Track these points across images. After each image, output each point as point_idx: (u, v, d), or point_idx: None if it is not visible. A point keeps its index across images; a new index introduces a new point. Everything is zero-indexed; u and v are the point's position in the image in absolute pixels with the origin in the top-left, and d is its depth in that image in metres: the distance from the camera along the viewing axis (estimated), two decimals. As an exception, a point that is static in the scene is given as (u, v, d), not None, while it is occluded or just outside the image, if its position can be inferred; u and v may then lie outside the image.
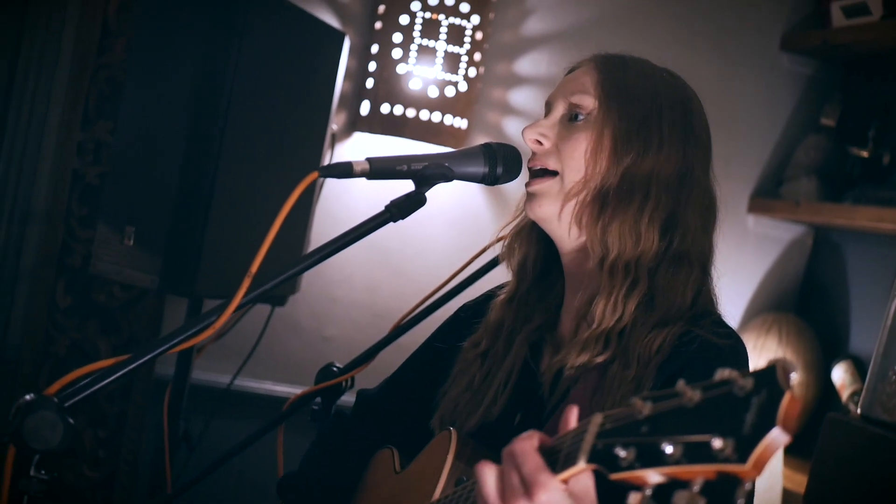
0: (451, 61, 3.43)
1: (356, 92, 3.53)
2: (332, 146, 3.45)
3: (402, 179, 1.69)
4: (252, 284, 1.58)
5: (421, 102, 3.42)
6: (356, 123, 3.51)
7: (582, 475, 1.24)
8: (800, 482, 3.25)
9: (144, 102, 2.86)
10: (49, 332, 3.30)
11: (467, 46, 3.44)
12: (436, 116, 3.43)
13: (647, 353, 1.66)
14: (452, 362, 1.91)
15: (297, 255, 3.02)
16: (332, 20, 3.48)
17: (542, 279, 1.88)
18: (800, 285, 3.95)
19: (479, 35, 3.45)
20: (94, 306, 3.32)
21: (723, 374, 1.09)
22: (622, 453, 1.13)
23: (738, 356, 1.67)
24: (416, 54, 3.40)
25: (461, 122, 3.48)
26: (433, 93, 3.42)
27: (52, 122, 3.32)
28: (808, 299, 3.91)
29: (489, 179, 1.74)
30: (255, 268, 1.56)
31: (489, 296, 1.98)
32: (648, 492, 1.13)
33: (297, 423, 2.30)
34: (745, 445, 1.03)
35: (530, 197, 1.78)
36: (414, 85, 3.41)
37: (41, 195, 3.32)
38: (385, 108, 3.43)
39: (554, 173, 1.75)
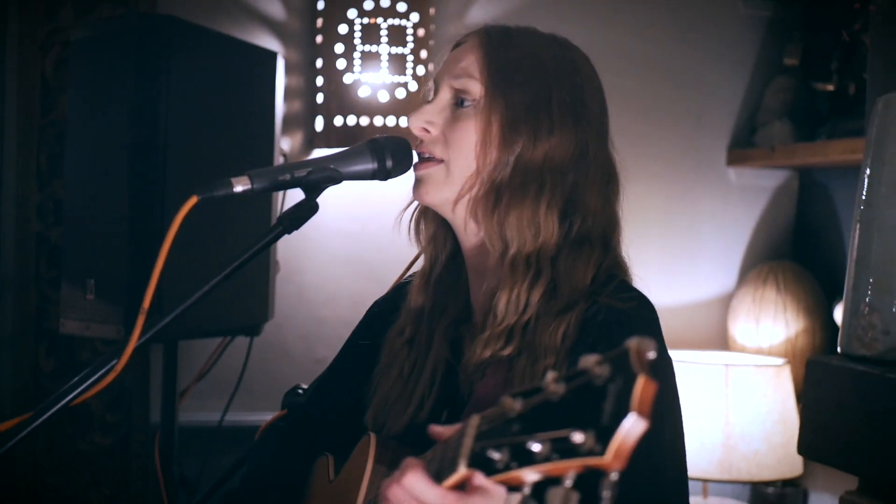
0: (397, 63, 3.38)
1: (308, 109, 3.48)
2: (289, 167, 3.40)
3: (289, 189, 1.65)
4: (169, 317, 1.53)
5: (373, 109, 3.38)
6: (314, 140, 3.47)
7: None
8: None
9: (86, 155, 2.83)
10: (38, 398, 3.28)
11: (411, 45, 3.39)
12: (391, 120, 3.39)
13: (553, 344, 1.62)
14: (375, 358, 1.87)
15: (264, 280, 2.98)
16: (272, 42, 3.44)
17: (454, 260, 1.84)
18: (792, 231, 3.87)
19: (421, 32, 3.40)
20: (79, 365, 3.30)
21: (585, 361, 1.04)
22: (496, 455, 1.11)
23: (641, 319, 1.63)
24: (359, 62, 3.36)
25: (418, 122, 3.43)
26: (383, 97, 3.37)
27: (9, 188, 3.30)
28: (803, 244, 3.83)
29: (381, 175, 1.70)
30: (146, 303, 1.52)
31: (399, 287, 1.95)
32: (527, 490, 1.09)
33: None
34: (604, 436, 1.00)
35: (417, 182, 1.75)
36: (363, 92, 3.37)
37: (10, 262, 3.30)
38: (338, 121, 3.39)
39: (440, 160, 1.71)
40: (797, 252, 3.83)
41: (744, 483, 3.52)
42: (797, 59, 3.62)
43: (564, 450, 1.02)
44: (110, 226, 2.72)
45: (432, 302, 1.82)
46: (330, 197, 3.47)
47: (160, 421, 2.94)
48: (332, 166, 1.64)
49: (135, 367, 3.31)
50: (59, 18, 3.26)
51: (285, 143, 3.44)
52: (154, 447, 2.93)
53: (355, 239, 3.52)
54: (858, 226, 2.25)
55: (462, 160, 1.69)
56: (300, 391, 2.29)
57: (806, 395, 2.32)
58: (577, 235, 1.68)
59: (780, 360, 3.39)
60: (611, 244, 1.72)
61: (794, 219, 3.87)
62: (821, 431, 2.27)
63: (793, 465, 3.29)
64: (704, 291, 3.81)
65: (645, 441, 1.57)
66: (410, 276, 1.93)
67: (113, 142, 2.72)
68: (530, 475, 1.07)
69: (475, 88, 1.70)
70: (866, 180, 2.23)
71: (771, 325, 3.56)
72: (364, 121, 3.37)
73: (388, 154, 1.69)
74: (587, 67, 1.76)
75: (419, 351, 1.80)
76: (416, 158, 1.76)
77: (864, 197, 2.23)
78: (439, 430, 1.33)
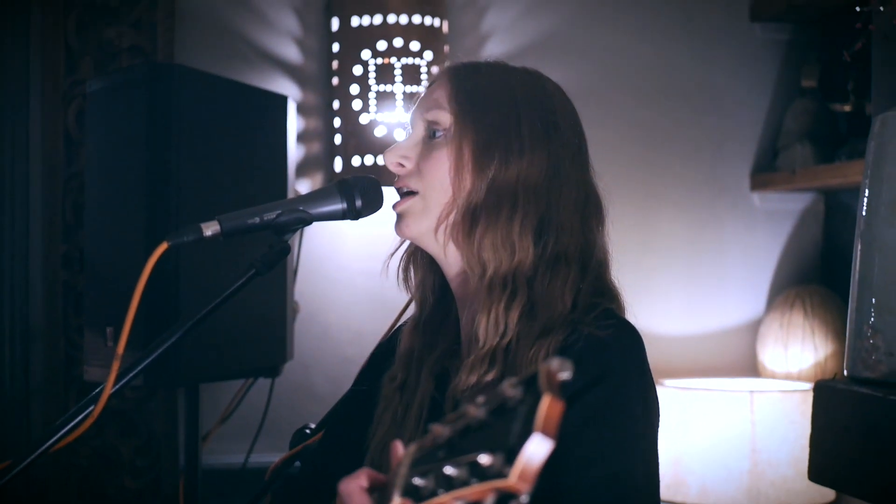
0: (412, 101, 3.40)
1: (327, 151, 3.53)
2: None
3: (259, 232, 1.67)
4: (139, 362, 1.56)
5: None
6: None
7: None
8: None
9: (104, 204, 2.89)
10: (70, 444, 3.31)
11: (425, 84, 3.41)
12: (408, 159, 3.41)
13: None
14: (377, 402, 1.88)
15: (281, 321, 3.01)
16: (289, 86, 3.49)
17: (442, 301, 1.85)
18: (820, 254, 3.83)
19: (435, 70, 3.43)
20: (108, 411, 3.32)
21: (504, 384, 1.04)
22: (421, 482, 1.10)
23: (619, 345, 1.62)
24: (375, 102, 3.39)
25: (435, 159, 3.45)
26: (400, 136, 3.40)
27: (36, 238, 3.37)
28: (831, 267, 3.78)
29: (351, 214, 1.72)
30: (121, 349, 1.55)
31: (399, 328, 1.96)
32: None
33: (282, 490, 2.27)
34: (511, 458, 0.99)
35: (397, 218, 1.78)
36: (379, 132, 3.40)
37: (38, 311, 3.36)
38: (356, 161, 3.42)
39: (416, 192, 1.74)
40: (825, 275, 3.79)
41: (778, 511, 3.48)
42: (815, 81, 3.60)
43: (477, 474, 1.02)
44: (127, 273, 2.75)
45: (422, 343, 1.84)
46: (351, 236, 3.53)
47: (184, 464, 2.97)
48: (301, 208, 1.66)
49: (162, 411, 3.34)
50: (80, 71, 3.33)
51: (304, 186, 3.48)
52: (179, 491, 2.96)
53: (377, 277, 3.53)
54: (860, 246, 2.23)
55: (437, 189, 1.72)
56: (308, 430, 2.31)
57: (814, 420, 2.30)
58: (552, 254, 1.69)
59: (807, 385, 3.35)
60: (590, 265, 1.73)
61: (821, 242, 3.83)
62: (829, 456, 2.24)
63: (824, 490, 3.25)
64: (733, 318, 3.78)
65: (618, 465, 1.57)
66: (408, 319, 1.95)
67: (128, 191, 2.77)
68: (454, 501, 1.07)
69: (444, 118, 1.73)
70: (865, 200, 2.22)
71: (799, 350, 3.52)
72: (381, 160, 3.39)
73: (357, 193, 1.71)
74: (558, 93, 1.78)
75: (411, 393, 1.81)
76: (395, 196, 1.79)
77: (864, 216, 2.22)
78: (397, 445, 1.33)
